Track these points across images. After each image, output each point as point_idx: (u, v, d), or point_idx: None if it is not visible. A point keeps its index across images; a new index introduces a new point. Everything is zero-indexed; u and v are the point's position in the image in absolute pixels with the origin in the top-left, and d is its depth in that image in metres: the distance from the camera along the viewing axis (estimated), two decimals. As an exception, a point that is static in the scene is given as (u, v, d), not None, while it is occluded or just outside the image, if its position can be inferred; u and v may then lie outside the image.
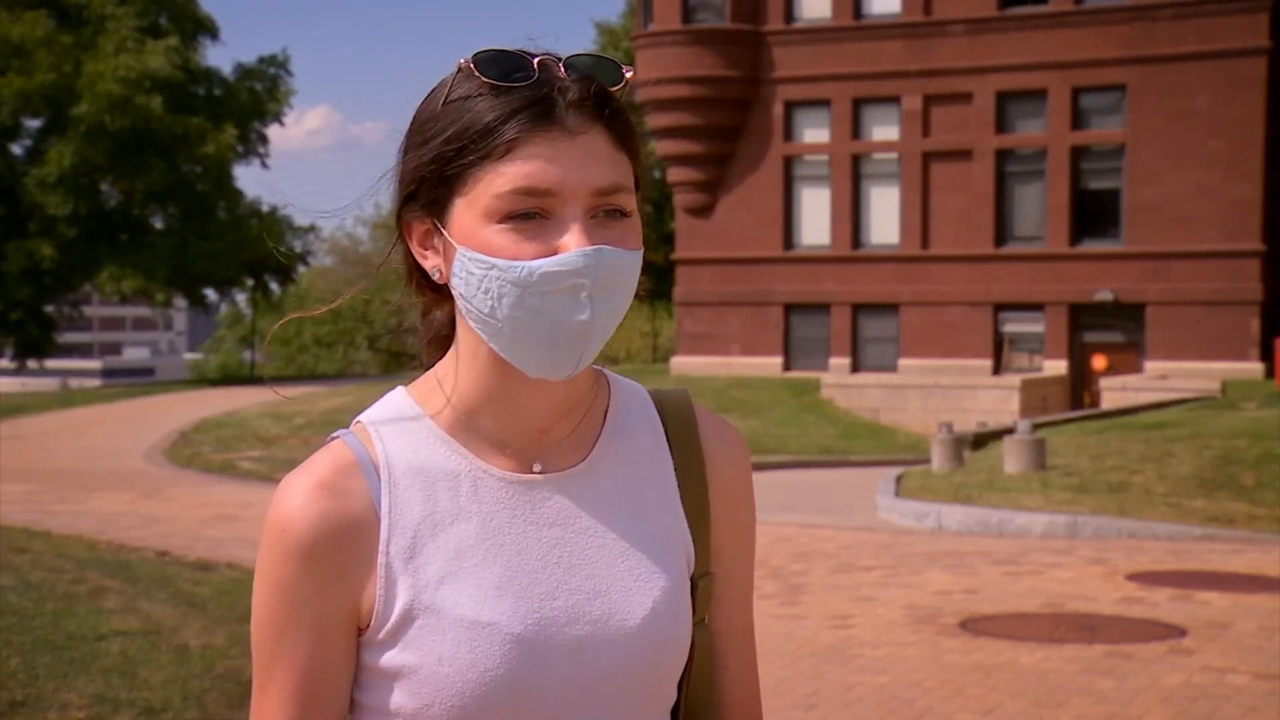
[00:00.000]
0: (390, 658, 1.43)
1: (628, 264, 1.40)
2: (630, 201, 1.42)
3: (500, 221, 1.39)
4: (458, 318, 1.48)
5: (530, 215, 1.38)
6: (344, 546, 1.43)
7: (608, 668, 1.44)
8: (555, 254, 1.37)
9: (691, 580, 1.52)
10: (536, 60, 1.41)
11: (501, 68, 1.41)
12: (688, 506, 1.53)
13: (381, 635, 1.43)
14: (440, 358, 1.53)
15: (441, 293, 1.49)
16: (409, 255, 1.50)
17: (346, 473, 1.45)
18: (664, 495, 1.53)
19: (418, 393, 1.52)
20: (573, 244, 1.37)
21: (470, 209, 1.40)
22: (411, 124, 1.46)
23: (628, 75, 1.45)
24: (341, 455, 1.46)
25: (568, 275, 1.37)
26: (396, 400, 1.52)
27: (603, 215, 1.40)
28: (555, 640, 1.43)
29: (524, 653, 1.41)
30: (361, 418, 1.51)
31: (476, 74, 1.41)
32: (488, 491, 1.47)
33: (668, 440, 1.55)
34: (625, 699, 1.46)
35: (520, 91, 1.40)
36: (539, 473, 1.48)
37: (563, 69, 1.42)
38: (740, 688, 1.61)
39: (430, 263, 1.46)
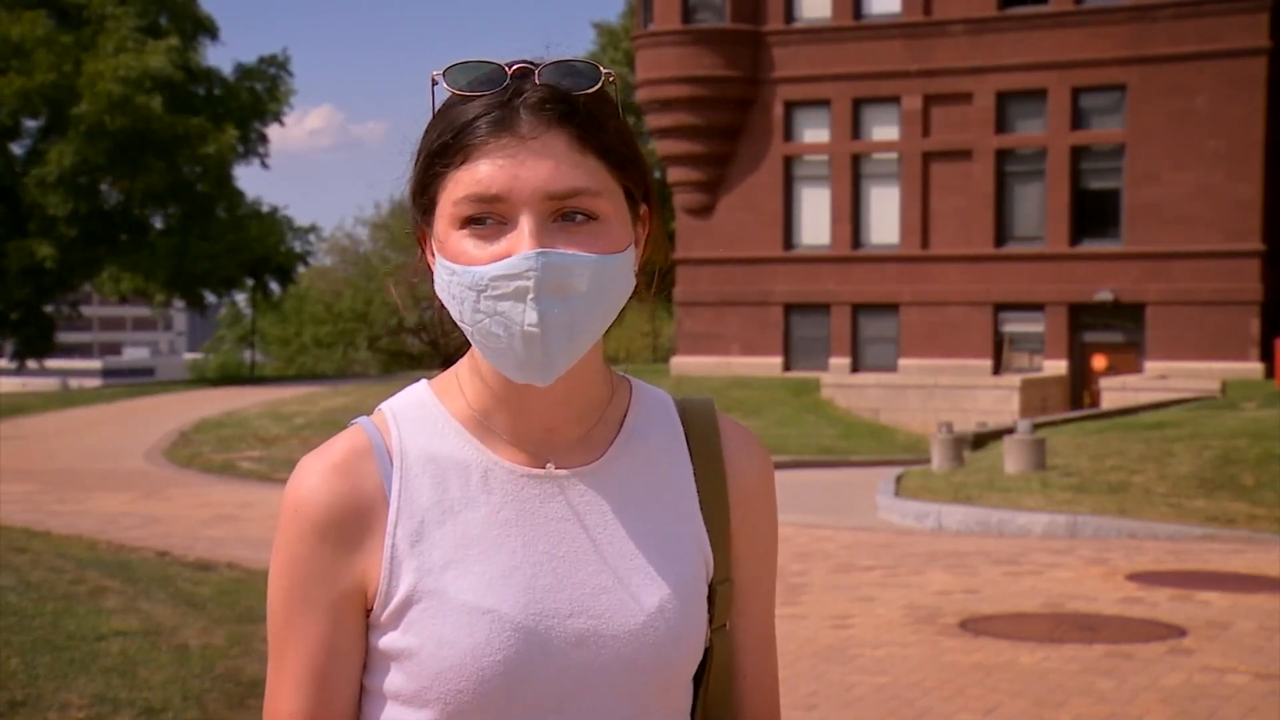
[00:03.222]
0: (391, 640, 1.46)
1: (583, 267, 1.40)
2: (598, 204, 1.42)
3: (460, 227, 1.42)
4: None
5: (486, 220, 1.41)
6: (354, 527, 1.47)
7: (609, 663, 1.46)
8: (506, 257, 1.39)
9: (710, 586, 1.53)
10: (513, 69, 1.43)
11: (466, 78, 1.44)
12: (707, 513, 1.54)
13: (384, 617, 1.46)
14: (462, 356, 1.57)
15: None
16: (427, 262, 1.53)
17: (360, 456, 1.49)
18: (681, 499, 1.54)
19: (438, 386, 1.55)
20: (521, 247, 1.39)
21: (441, 218, 1.44)
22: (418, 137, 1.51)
23: (606, 75, 1.45)
24: (357, 440, 1.50)
25: (513, 278, 1.38)
26: (417, 392, 1.55)
27: (565, 218, 1.41)
28: (556, 632, 1.44)
29: (524, 642, 1.43)
30: (382, 406, 1.55)
31: (445, 85, 1.45)
32: (498, 483, 1.49)
33: (689, 447, 1.57)
34: (627, 695, 1.47)
35: (482, 100, 1.42)
36: (551, 469, 1.50)
37: (537, 75, 1.43)
38: (759, 696, 1.62)
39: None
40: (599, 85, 1.45)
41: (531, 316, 1.39)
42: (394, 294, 1.62)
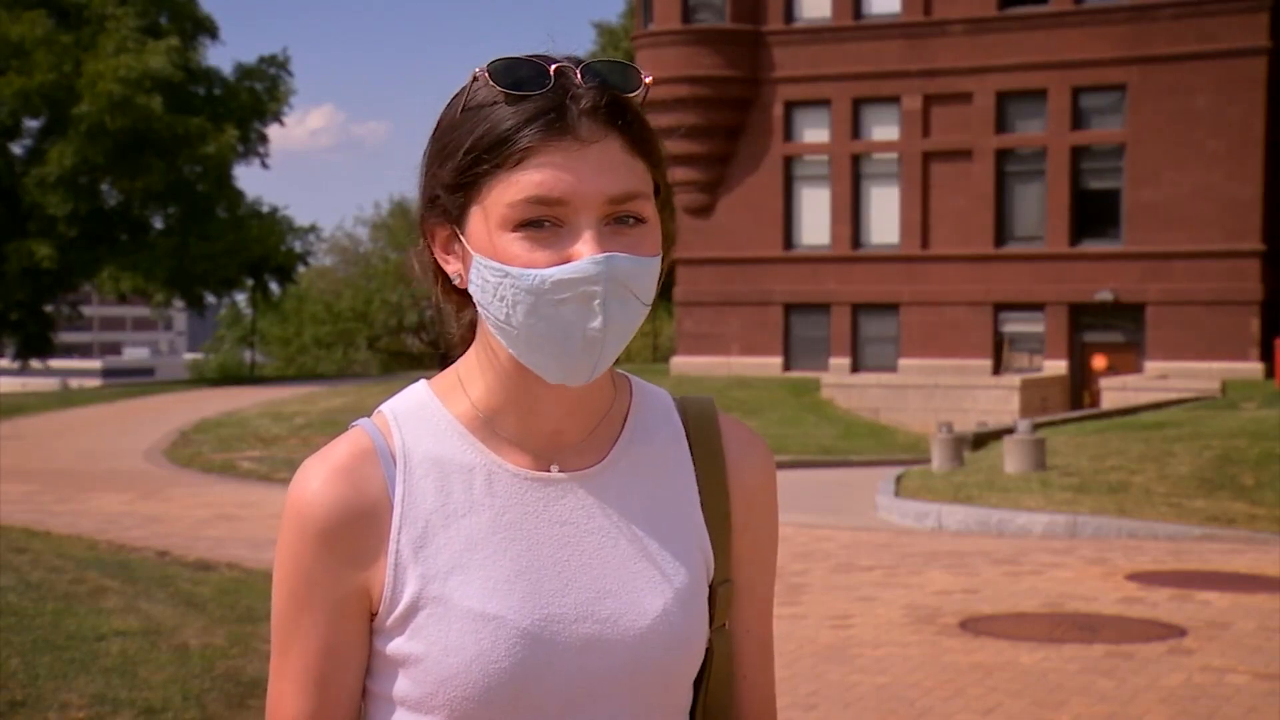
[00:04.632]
0: (397, 645, 1.45)
1: (641, 271, 1.41)
2: (646, 208, 1.43)
3: (514, 230, 1.40)
4: (479, 320, 1.49)
5: (543, 223, 1.39)
6: (358, 531, 1.45)
7: (615, 667, 1.45)
8: (568, 262, 1.38)
9: (711, 587, 1.53)
10: (554, 67, 1.42)
11: (515, 76, 1.42)
12: (708, 513, 1.54)
13: (389, 622, 1.45)
14: (463, 355, 1.55)
15: (465, 295, 1.50)
16: (433, 258, 1.51)
17: (363, 459, 1.47)
18: (683, 501, 1.53)
19: (439, 387, 1.53)
20: (585, 252, 1.38)
21: (485, 217, 1.41)
22: (434, 131, 1.48)
23: (647, 81, 1.46)
24: (359, 442, 1.49)
25: (580, 283, 1.38)
26: (418, 393, 1.54)
27: (616, 222, 1.41)
28: (562, 636, 1.44)
29: (530, 647, 1.42)
30: (383, 408, 1.53)
31: (490, 82, 1.42)
32: (502, 486, 1.48)
33: (690, 447, 1.56)
34: (633, 699, 1.47)
35: (534, 100, 1.40)
36: (555, 472, 1.49)
37: (579, 75, 1.42)
38: (757, 697, 1.62)
39: (452, 267, 1.48)
40: (641, 89, 1.45)
41: (597, 321, 1.39)
42: (416, 271, 1.58)
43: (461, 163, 1.42)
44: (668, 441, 1.55)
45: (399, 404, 1.53)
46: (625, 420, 1.54)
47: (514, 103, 1.41)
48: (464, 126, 1.43)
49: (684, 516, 1.53)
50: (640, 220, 1.42)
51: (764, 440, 1.62)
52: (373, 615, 1.47)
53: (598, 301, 1.38)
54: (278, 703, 1.48)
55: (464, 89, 1.46)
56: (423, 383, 1.55)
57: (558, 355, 1.41)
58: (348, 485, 1.46)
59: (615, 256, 1.38)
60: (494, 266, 1.40)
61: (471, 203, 1.43)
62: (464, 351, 1.55)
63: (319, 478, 1.46)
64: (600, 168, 1.39)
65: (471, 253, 1.43)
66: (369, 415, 1.54)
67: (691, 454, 1.55)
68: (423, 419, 1.50)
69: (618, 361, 1.49)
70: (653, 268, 1.43)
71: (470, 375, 1.52)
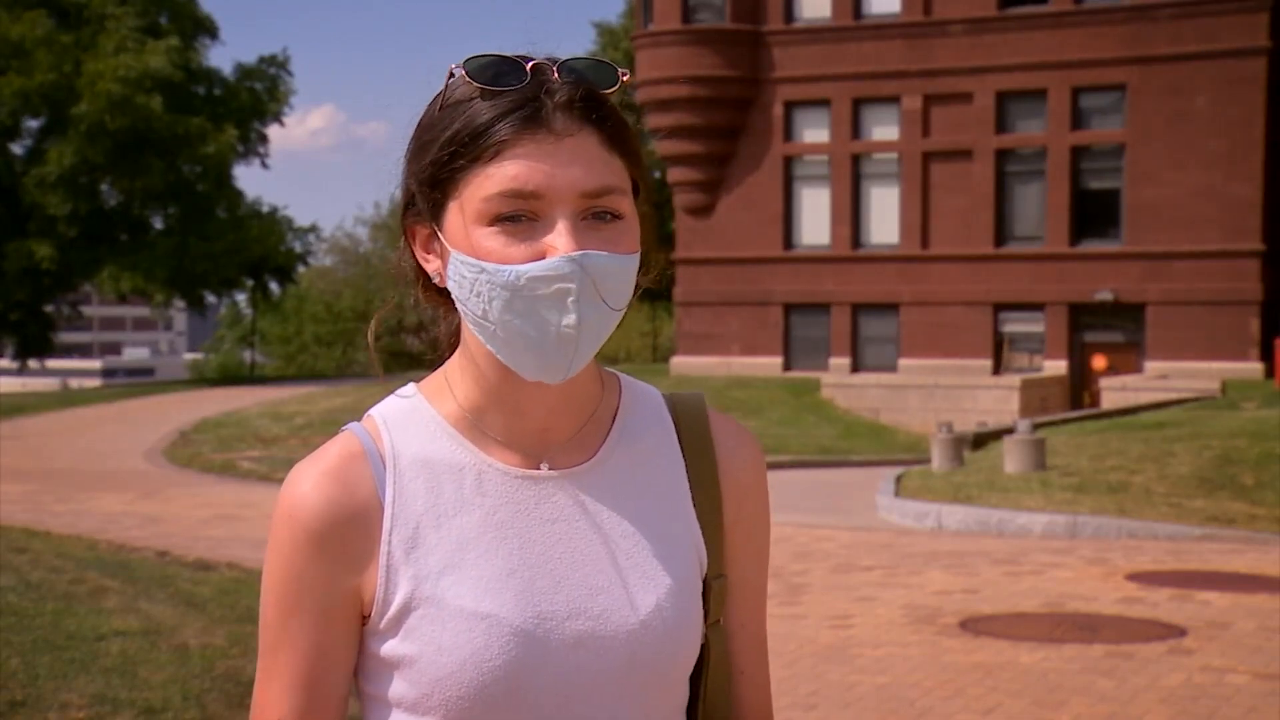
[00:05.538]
0: (391, 647, 1.45)
1: (617, 268, 1.40)
2: (623, 203, 1.42)
3: (490, 224, 1.40)
4: (461, 319, 1.49)
5: (518, 217, 1.39)
6: (349, 534, 1.46)
7: (609, 663, 1.45)
8: (543, 256, 1.38)
9: (705, 581, 1.53)
10: (530, 64, 1.42)
11: (491, 72, 1.42)
12: (700, 509, 1.54)
13: (383, 624, 1.45)
14: (450, 356, 1.55)
15: (447, 296, 1.50)
16: (414, 259, 1.51)
17: (353, 462, 1.48)
18: (674, 497, 1.53)
19: (428, 389, 1.54)
20: (560, 246, 1.37)
21: (461, 212, 1.42)
22: (414, 130, 1.48)
23: (623, 77, 1.46)
24: (349, 445, 1.49)
25: (553, 280, 1.37)
26: (407, 395, 1.54)
27: (593, 217, 1.40)
28: (555, 634, 1.44)
29: (523, 646, 1.42)
30: (372, 411, 1.53)
31: (467, 79, 1.43)
32: (492, 485, 1.48)
33: (680, 443, 1.56)
34: (628, 696, 1.47)
35: (509, 95, 1.41)
36: (545, 470, 1.49)
37: (556, 72, 1.42)
38: (754, 691, 1.62)
39: (432, 266, 1.48)
40: (619, 85, 1.45)
41: (571, 318, 1.38)
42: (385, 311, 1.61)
43: (438, 159, 1.43)
44: (658, 438, 1.55)
45: (388, 407, 1.53)
46: (615, 417, 1.54)
47: (490, 98, 1.41)
48: (441, 123, 1.43)
49: (676, 512, 1.53)
50: (617, 216, 1.42)
51: (754, 435, 1.62)
52: (365, 618, 1.47)
53: (572, 299, 1.38)
54: (264, 704, 1.48)
55: (442, 88, 1.46)
56: (411, 386, 1.55)
57: (534, 352, 1.41)
58: (338, 488, 1.46)
59: (590, 254, 1.38)
60: (470, 262, 1.40)
61: (449, 199, 1.43)
62: (450, 351, 1.55)
63: (309, 481, 1.46)
64: (575, 161, 1.39)
65: (449, 249, 1.43)
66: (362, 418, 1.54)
67: (682, 450, 1.55)
68: (412, 421, 1.51)
69: (615, 361, 1.49)
70: (629, 265, 1.42)
71: (456, 376, 1.52)
